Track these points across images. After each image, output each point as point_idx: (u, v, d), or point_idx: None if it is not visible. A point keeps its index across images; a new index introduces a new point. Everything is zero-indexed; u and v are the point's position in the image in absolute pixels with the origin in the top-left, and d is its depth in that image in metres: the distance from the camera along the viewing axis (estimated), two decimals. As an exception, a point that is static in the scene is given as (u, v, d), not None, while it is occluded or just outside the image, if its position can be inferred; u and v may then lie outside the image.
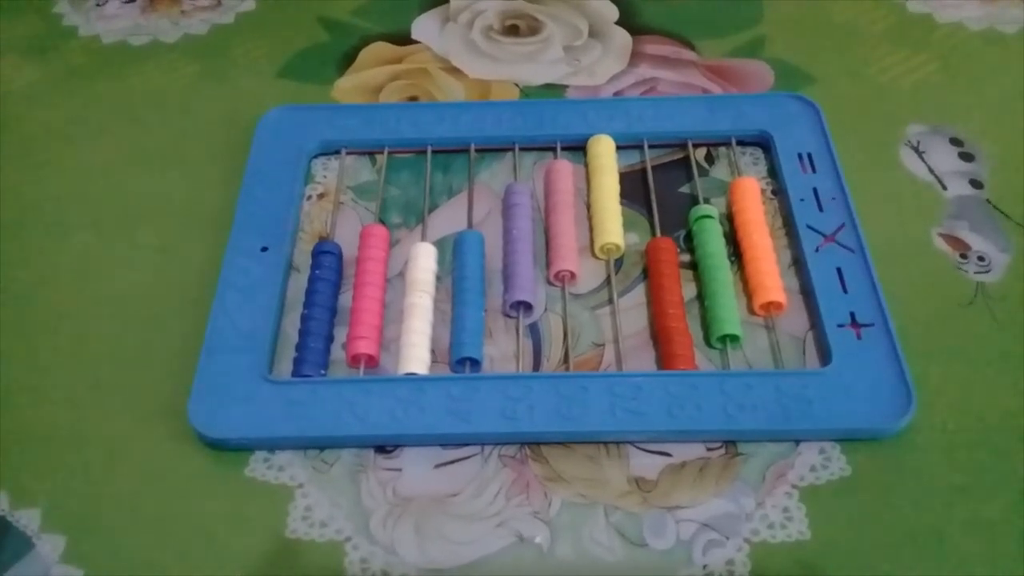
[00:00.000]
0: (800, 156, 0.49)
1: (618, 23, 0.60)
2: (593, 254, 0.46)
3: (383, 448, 0.40)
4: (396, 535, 0.37)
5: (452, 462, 0.39)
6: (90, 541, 0.38)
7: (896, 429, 0.39)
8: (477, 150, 0.51)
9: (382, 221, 0.48)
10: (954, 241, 0.47)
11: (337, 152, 0.51)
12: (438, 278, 0.45)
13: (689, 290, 0.45)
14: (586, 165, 0.50)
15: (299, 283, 0.45)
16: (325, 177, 0.50)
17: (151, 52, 0.59)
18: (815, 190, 0.47)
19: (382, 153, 0.51)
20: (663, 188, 0.49)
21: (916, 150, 0.51)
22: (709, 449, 0.40)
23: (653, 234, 0.47)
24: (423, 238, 0.47)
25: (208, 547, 0.37)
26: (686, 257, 0.46)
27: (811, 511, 0.38)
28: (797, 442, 0.40)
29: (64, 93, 0.56)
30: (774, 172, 0.49)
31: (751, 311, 0.44)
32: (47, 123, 0.54)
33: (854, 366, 0.40)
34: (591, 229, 0.47)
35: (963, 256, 0.46)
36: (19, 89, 0.56)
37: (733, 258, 0.46)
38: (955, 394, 0.41)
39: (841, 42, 0.57)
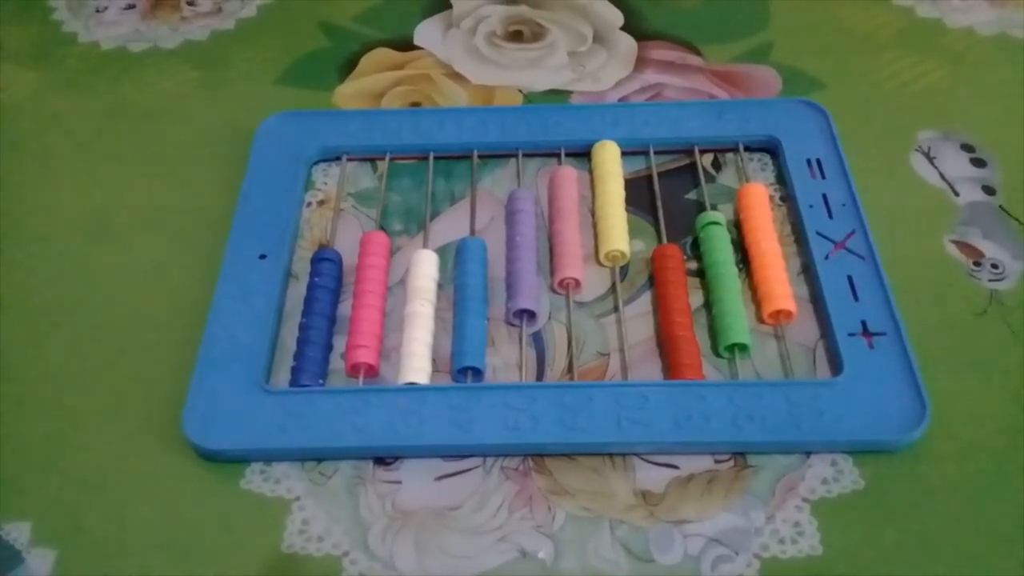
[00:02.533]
0: (809, 162, 0.48)
1: (623, 28, 0.59)
2: (598, 261, 0.46)
3: (382, 460, 0.39)
4: (395, 549, 0.36)
5: (453, 474, 0.39)
6: (81, 555, 0.37)
7: (910, 440, 0.38)
8: (480, 156, 0.50)
9: (383, 228, 0.47)
10: (967, 248, 0.46)
11: (338, 158, 0.50)
12: (440, 286, 0.44)
13: (696, 298, 0.44)
14: (591, 171, 0.49)
15: (298, 291, 0.44)
16: (325, 184, 0.50)
17: (151, 58, 0.58)
18: (824, 196, 0.46)
19: (383, 159, 0.50)
20: (669, 195, 0.48)
21: (927, 156, 0.50)
22: (717, 461, 0.39)
23: (659, 241, 0.46)
24: (424, 245, 0.46)
25: (202, 562, 0.36)
26: (693, 265, 0.45)
27: (823, 525, 0.37)
28: (808, 454, 0.39)
29: (63, 100, 0.56)
30: (782, 178, 0.49)
31: (760, 320, 0.43)
32: (45, 130, 0.54)
33: (866, 376, 0.39)
34: (596, 236, 0.46)
35: (976, 263, 0.45)
36: (18, 96, 0.56)
37: (741, 265, 0.45)
38: (970, 404, 0.40)
39: (850, 47, 0.57)
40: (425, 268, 0.44)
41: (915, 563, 0.36)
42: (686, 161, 0.50)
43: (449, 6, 0.61)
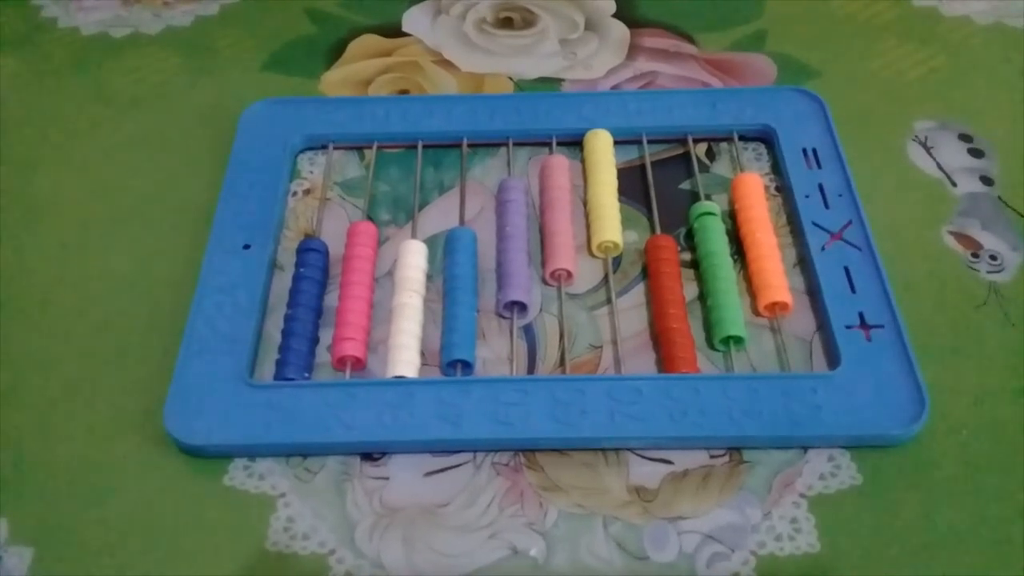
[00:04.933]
0: (805, 151, 0.47)
1: (615, 16, 0.58)
2: (590, 252, 0.45)
3: (370, 455, 0.38)
4: (383, 547, 0.36)
5: (442, 470, 0.38)
6: (59, 553, 0.36)
7: (909, 435, 0.38)
8: (469, 145, 0.49)
9: (370, 218, 0.46)
10: (965, 239, 0.45)
11: (324, 147, 0.49)
12: (428, 277, 0.44)
13: (690, 290, 0.43)
14: (583, 160, 0.48)
15: (283, 282, 0.43)
16: (311, 172, 0.49)
17: (132, 44, 0.57)
18: (821, 186, 0.46)
19: (371, 148, 0.49)
20: (663, 184, 0.47)
21: (924, 146, 0.49)
22: (713, 456, 0.38)
23: (652, 232, 0.45)
24: (413, 236, 0.45)
25: (184, 560, 0.35)
26: (687, 256, 0.44)
27: (820, 521, 0.36)
28: (805, 449, 0.38)
29: (43, 86, 0.54)
30: (778, 168, 0.48)
31: (756, 312, 0.42)
32: (24, 116, 0.53)
33: (864, 369, 0.39)
34: (588, 227, 0.45)
35: (975, 255, 0.44)
36: (-4, 82, 0.55)
37: (736, 257, 0.44)
38: (969, 398, 0.39)
39: (845, 36, 0.56)
40: (413, 259, 0.43)
41: (914, 559, 0.35)
42: (680, 150, 0.49)
43: (438, -8, 0.60)
